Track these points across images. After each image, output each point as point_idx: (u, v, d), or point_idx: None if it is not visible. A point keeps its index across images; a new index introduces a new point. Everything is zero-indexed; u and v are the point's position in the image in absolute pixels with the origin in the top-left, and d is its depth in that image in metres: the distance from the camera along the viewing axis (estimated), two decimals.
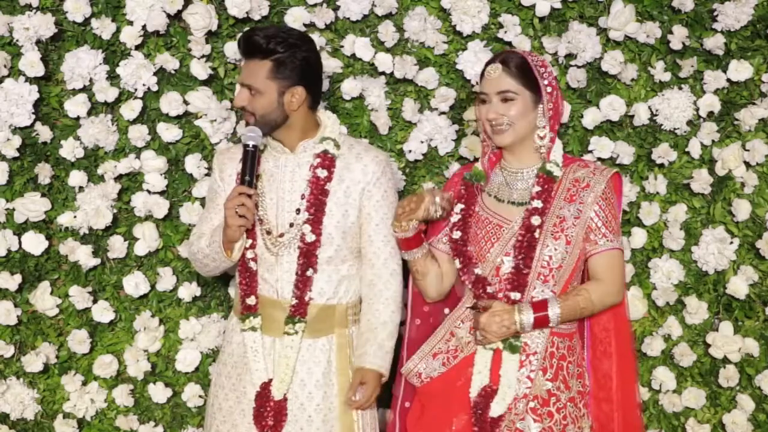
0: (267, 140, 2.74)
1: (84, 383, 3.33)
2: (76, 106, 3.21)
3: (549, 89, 2.61)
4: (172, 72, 3.24)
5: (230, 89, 3.26)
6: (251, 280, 2.73)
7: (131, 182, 3.29)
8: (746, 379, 3.31)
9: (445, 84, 3.26)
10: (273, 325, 2.72)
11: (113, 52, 3.25)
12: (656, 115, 3.23)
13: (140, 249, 3.27)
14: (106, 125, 3.22)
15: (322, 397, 2.72)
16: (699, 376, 3.33)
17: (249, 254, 2.72)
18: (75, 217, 3.25)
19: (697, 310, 3.26)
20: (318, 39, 3.15)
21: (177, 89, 3.23)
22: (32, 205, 3.22)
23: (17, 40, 3.19)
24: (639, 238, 3.26)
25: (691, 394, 3.30)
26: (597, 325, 2.73)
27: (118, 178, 3.28)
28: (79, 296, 3.27)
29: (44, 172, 3.25)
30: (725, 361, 3.28)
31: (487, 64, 2.66)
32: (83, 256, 3.25)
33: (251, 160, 2.61)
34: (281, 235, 2.71)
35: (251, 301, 2.73)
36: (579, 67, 3.23)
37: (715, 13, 3.20)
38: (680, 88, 3.22)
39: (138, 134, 3.23)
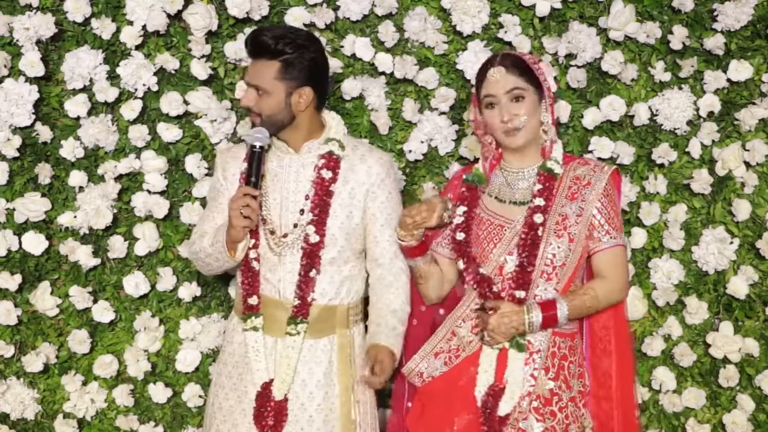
0: (272, 140, 2.73)
1: (84, 383, 3.33)
2: (76, 106, 3.21)
3: (546, 84, 2.64)
4: (172, 72, 3.23)
5: (230, 89, 3.26)
6: (253, 280, 2.73)
7: (131, 182, 3.29)
8: (746, 379, 3.31)
9: (445, 84, 3.26)
10: (275, 326, 2.72)
11: (113, 52, 3.25)
12: (656, 115, 3.23)
13: (140, 249, 3.27)
14: (106, 125, 3.22)
15: (323, 397, 2.72)
16: (699, 376, 3.33)
17: (252, 254, 2.72)
18: (75, 217, 3.25)
19: (697, 310, 3.26)
20: None
21: (177, 89, 3.23)
22: (32, 205, 3.21)
23: (17, 40, 3.19)
24: (639, 238, 3.26)
25: (691, 394, 3.30)
26: (597, 323, 2.74)
27: (118, 178, 3.28)
28: (79, 296, 3.27)
29: (44, 172, 3.25)
30: (725, 361, 3.28)
31: (485, 69, 2.64)
32: (83, 256, 3.25)
33: (257, 161, 2.61)
34: (285, 236, 2.71)
35: (253, 301, 2.73)
36: (579, 67, 3.22)
37: (715, 13, 3.20)
38: (680, 88, 3.22)
39: (138, 134, 3.23)
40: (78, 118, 3.23)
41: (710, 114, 3.25)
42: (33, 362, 3.27)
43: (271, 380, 2.70)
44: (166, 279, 3.28)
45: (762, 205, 3.26)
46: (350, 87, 3.22)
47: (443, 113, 3.25)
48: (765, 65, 3.25)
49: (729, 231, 3.25)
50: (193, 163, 3.24)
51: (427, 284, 2.73)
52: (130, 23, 3.20)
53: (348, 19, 3.22)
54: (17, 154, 3.23)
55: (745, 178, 3.24)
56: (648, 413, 3.33)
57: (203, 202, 3.20)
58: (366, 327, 2.82)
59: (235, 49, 3.20)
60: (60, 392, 3.34)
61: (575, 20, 3.22)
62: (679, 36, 3.20)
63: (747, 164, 3.23)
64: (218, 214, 2.78)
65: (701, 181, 3.24)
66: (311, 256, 2.69)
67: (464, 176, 2.76)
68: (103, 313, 3.28)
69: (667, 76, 3.24)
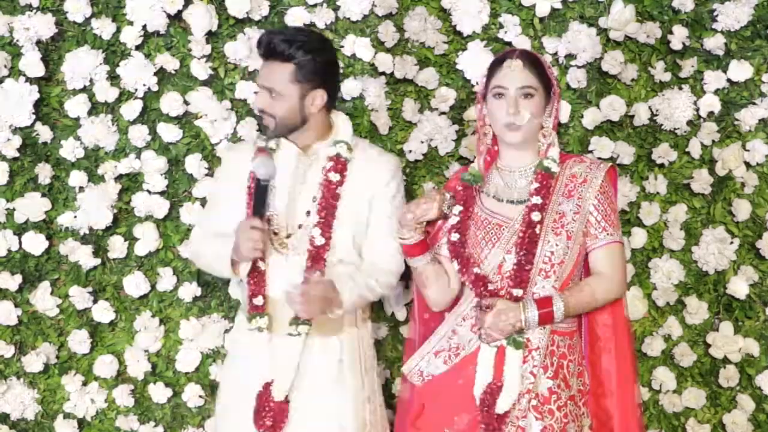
0: (280, 141, 2.73)
1: (84, 383, 3.32)
2: (76, 106, 3.20)
3: (557, 90, 2.65)
4: (173, 72, 3.23)
5: (230, 89, 3.26)
6: (259, 280, 2.72)
7: (131, 182, 3.29)
8: (746, 379, 3.31)
9: (445, 84, 3.26)
10: (280, 326, 2.71)
11: (113, 52, 3.24)
12: (656, 115, 3.23)
13: (140, 249, 3.27)
14: (106, 125, 3.21)
15: (333, 396, 2.71)
16: (699, 376, 3.33)
17: None
18: (75, 217, 3.25)
19: (697, 310, 3.26)
20: None
21: (177, 89, 3.23)
22: (32, 205, 3.21)
23: (17, 40, 3.19)
24: (639, 238, 3.26)
25: (691, 394, 3.30)
26: (596, 321, 2.73)
27: (119, 178, 3.27)
28: (79, 296, 3.27)
29: (44, 172, 3.25)
30: (725, 361, 3.29)
31: (501, 60, 2.64)
32: (83, 256, 3.25)
33: (263, 193, 2.61)
34: (288, 236, 2.71)
35: (258, 301, 2.72)
36: (579, 67, 3.23)
37: (715, 13, 3.20)
38: (680, 88, 3.22)
39: (138, 134, 3.22)
40: (78, 118, 3.23)
41: (710, 114, 3.25)
42: (33, 362, 3.27)
43: (272, 380, 2.69)
44: (167, 279, 3.28)
45: (762, 205, 3.27)
46: (350, 87, 3.22)
47: (443, 113, 3.25)
48: (765, 65, 3.26)
49: (729, 231, 3.25)
50: (193, 164, 3.23)
51: (432, 288, 2.72)
52: (130, 23, 3.20)
53: (348, 19, 3.22)
54: (17, 154, 3.23)
55: (745, 178, 3.24)
56: (648, 413, 3.33)
57: (203, 202, 3.20)
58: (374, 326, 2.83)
59: (235, 49, 3.20)
60: (60, 392, 3.33)
61: (575, 20, 3.22)
62: (679, 36, 3.20)
63: (747, 164, 3.24)
64: (220, 215, 2.77)
65: (701, 181, 3.24)
66: (316, 259, 2.68)
67: (461, 175, 2.75)
68: (103, 313, 3.28)
69: (667, 76, 3.24)
